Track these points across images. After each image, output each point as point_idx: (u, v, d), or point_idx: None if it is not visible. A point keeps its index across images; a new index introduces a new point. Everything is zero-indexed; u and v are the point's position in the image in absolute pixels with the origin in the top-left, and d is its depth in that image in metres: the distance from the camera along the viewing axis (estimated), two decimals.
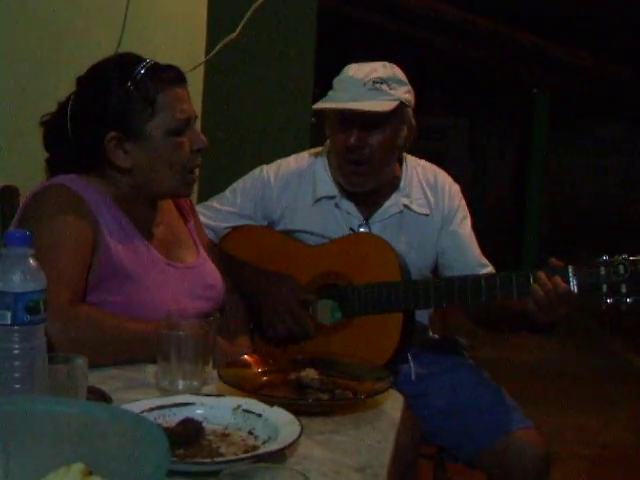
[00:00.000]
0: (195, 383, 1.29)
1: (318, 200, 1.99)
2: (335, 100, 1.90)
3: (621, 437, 3.84)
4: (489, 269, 1.97)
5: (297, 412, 1.14)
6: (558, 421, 3.81)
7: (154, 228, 1.63)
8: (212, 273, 1.70)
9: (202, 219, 1.89)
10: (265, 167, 2.07)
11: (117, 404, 1.15)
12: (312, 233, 1.97)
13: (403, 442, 1.24)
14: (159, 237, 1.62)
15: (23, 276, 1.00)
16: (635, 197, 9.25)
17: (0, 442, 0.81)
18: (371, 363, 1.48)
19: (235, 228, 2.03)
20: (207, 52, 2.95)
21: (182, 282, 1.60)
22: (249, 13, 2.76)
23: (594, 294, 1.69)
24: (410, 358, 1.96)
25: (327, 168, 2.00)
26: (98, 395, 1.17)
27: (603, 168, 9.40)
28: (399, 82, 1.91)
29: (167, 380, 1.29)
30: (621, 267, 1.67)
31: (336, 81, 1.93)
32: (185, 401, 1.17)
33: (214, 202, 2.06)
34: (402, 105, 1.90)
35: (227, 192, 2.07)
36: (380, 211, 1.97)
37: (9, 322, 0.99)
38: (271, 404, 1.16)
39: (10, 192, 1.79)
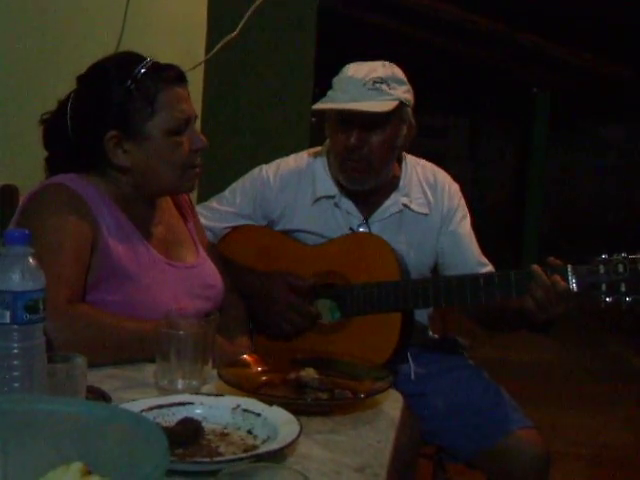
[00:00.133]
0: (194, 382, 1.29)
1: (317, 200, 1.99)
2: (335, 100, 1.90)
3: (620, 437, 3.83)
4: (489, 268, 1.97)
5: (296, 412, 1.14)
6: (558, 421, 3.81)
7: (153, 228, 1.62)
8: (212, 273, 1.70)
9: (201, 220, 1.88)
10: (264, 167, 2.07)
11: (116, 403, 1.15)
12: (311, 233, 1.97)
13: (402, 442, 1.24)
14: (158, 237, 1.62)
15: (22, 275, 0.99)
16: (635, 197, 9.24)
17: None
18: (370, 363, 1.48)
19: (234, 228, 2.03)
20: (207, 51, 2.95)
21: (181, 282, 1.60)
22: (249, 13, 2.76)
23: (593, 293, 1.69)
24: (410, 358, 1.96)
25: (326, 168, 2.00)
26: (97, 394, 1.17)
27: (603, 168, 9.39)
28: (399, 82, 1.91)
29: (166, 379, 1.29)
30: (620, 266, 1.67)
31: (336, 81, 1.93)
32: (184, 400, 1.17)
33: (213, 202, 2.06)
34: (402, 105, 1.90)
35: (226, 192, 2.07)
36: (379, 210, 1.97)
37: (8, 321, 0.98)
38: (270, 404, 1.16)
39: (10, 191, 1.79)
